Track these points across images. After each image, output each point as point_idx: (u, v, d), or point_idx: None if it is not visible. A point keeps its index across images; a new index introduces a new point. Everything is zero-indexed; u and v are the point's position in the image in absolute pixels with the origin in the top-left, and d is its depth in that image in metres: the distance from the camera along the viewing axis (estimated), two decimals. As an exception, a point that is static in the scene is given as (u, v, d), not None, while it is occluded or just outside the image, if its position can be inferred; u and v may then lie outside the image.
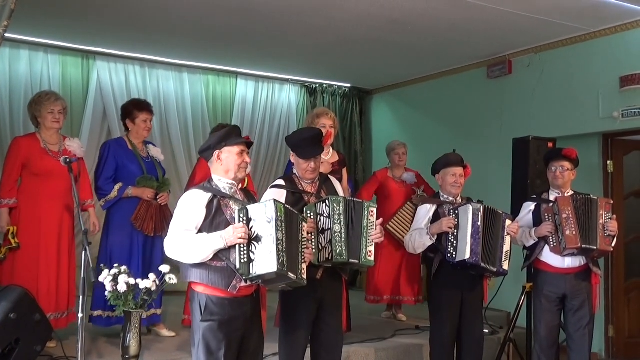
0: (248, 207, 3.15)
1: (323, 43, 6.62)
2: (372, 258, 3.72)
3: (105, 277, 3.86)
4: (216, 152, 3.28)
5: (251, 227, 3.08)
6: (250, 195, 3.51)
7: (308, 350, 3.88)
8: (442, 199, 4.47)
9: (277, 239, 3.04)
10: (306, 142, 3.81)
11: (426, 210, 4.43)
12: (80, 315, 3.62)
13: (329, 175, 4.12)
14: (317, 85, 8.75)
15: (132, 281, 3.87)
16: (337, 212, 3.65)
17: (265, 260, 3.03)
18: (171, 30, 6.27)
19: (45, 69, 6.88)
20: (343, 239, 3.63)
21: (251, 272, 3.05)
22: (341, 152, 5.28)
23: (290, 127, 8.40)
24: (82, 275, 3.61)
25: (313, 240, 3.62)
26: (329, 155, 4.98)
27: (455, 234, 4.22)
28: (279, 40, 6.60)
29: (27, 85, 6.72)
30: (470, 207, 4.20)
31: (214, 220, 3.17)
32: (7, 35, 3.84)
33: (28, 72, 6.77)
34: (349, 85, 8.94)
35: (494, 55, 6.95)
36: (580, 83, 6.11)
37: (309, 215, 3.65)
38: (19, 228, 4.53)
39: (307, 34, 6.29)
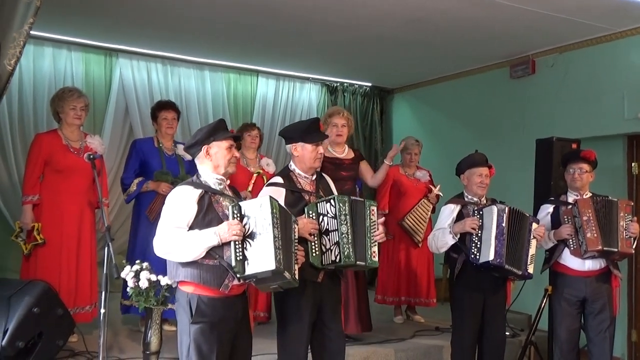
0: (241, 203, 3.08)
1: (344, 42, 6.60)
2: (377, 259, 3.61)
3: (127, 273, 3.89)
4: (205, 148, 3.18)
5: (245, 224, 3.01)
6: (236, 191, 3.41)
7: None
8: (466, 199, 4.42)
9: (274, 236, 2.96)
10: (311, 127, 3.73)
11: (450, 210, 4.39)
12: (102, 310, 3.65)
13: (323, 174, 3.97)
14: (338, 84, 8.72)
15: (153, 277, 3.89)
16: (344, 212, 3.51)
17: (261, 258, 2.95)
18: (193, 28, 6.29)
19: (68, 66, 6.92)
20: (350, 241, 3.50)
21: (246, 270, 2.97)
22: (356, 149, 5.23)
23: (310, 126, 8.38)
24: (105, 271, 3.63)
25: (316, 242, 3.52)
26: (344, 153, 4.97)
27: (479, 234, 4.17)
28: (300, 39, 6.59)
29: (51, 82, 6.76)
30: (495, 208, 4.15)
31: (206, 216, 3.07)
32: (31, 32, 3.85)
33: (52, 69, 6.81)
34: (369, 84, 8.90)
35: (517, 55, 6.88)
36: (605, 84, 6.03)
37: (310, 215, 3.54)
38: (42, 224, 4.58)
39: (328, 32, 6.27)
